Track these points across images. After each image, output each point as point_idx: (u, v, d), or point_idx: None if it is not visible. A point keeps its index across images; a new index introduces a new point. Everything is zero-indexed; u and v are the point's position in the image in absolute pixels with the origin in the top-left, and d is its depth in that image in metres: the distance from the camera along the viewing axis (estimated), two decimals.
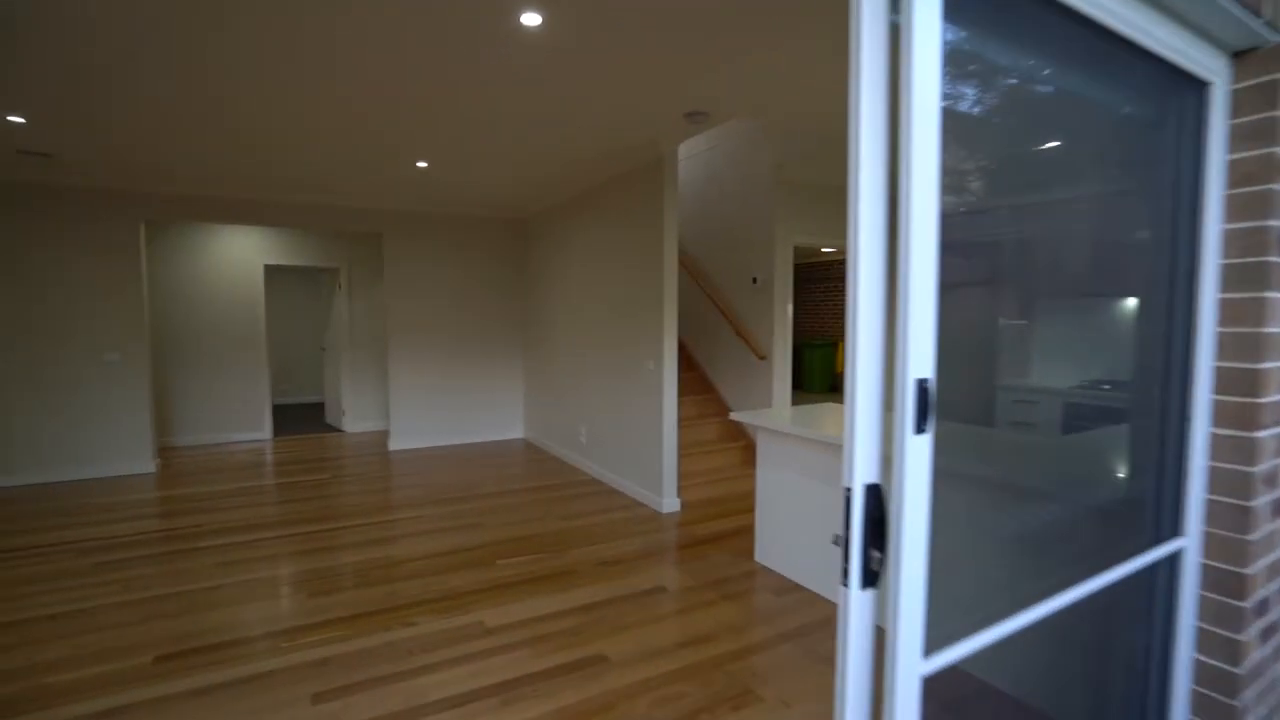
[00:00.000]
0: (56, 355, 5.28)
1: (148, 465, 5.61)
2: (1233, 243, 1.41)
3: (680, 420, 5.05)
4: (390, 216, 6.41)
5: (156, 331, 6.53)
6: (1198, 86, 1.37)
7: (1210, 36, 1.32)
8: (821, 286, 10.90)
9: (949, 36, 0.93)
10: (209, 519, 4.32)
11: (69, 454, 5.36)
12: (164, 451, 6.43)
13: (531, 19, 2.45)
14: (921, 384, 0.92)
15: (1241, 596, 1.42)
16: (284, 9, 2.38)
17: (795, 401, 5.28)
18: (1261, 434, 1.39)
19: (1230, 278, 1.42)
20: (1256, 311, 1.38)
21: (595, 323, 5.40)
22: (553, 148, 4.28)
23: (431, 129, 3.85)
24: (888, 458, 0.95)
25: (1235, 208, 1.41)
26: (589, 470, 5.55)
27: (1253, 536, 1.40)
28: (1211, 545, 1.46)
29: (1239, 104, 1.40)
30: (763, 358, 5.37)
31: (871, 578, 0.96)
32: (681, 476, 4.68)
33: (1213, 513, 1.46)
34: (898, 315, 0.92)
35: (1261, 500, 1.42)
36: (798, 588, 3.20)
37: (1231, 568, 1.43)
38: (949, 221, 0.95)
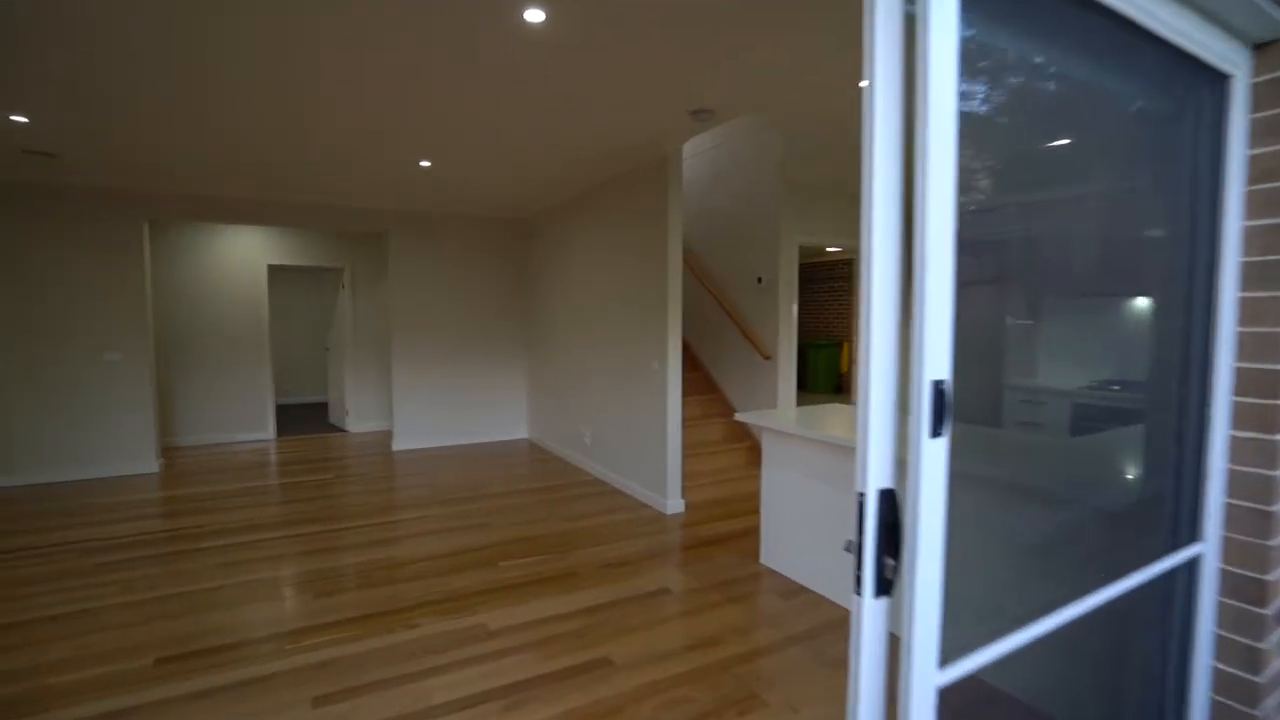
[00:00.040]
0: (59, 355, 5.28)
1: (151, 465, 5.61)
2: (1253, 240, 1.38)
3: (685, 421, 5.02)
4: (393, 216, 6.40)
5: (160, 331, 6.53)
6: (1218, 79, 1.34)
7: (1231, 27, 1.28)
8: (826, 286, 10.86)
9: (966, 27, 0.90)
10: (212, 519, 4.31)
11: (71, 454, 5.36)
12: (167, 451, 6.43)
13: (535, 15, 2.42)
14: (938, 386, 0.89)
15: (1262, 603, 1.38)
16: (285, 9, 2.36)
17: (800, 402, 5.25)
18: None
19: (1251, 276, 1.38)
20: (1278, 311, 1.35)
21: (599, 322, 5.37)
22: (556, 146, 4.25)
23: (435, 128, 3.82)
24: (901, 462, 0.92)
25: (1256, 204, 1.37)
26: (593, 471, 5.52)
27: (1274, 542, 1.37)
28: (1231, 550, 1.43)
29: (1260, 98, 1.37)
30: (767, 358, 5.34)
31: (885, 586, 0.93)
32: (686, 477, 4.65)
33: (1232, 517, 1.42)
34: (913, 315, 0.89)
35: None
36: (804, 590, 3.17)
37: (1252, 574, 1.40)
38: (964, 219, 0.92)
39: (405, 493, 4.99)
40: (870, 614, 0.93)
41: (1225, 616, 1.44)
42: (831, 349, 10.13)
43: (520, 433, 7.22)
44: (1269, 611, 1.38)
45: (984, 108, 1.03)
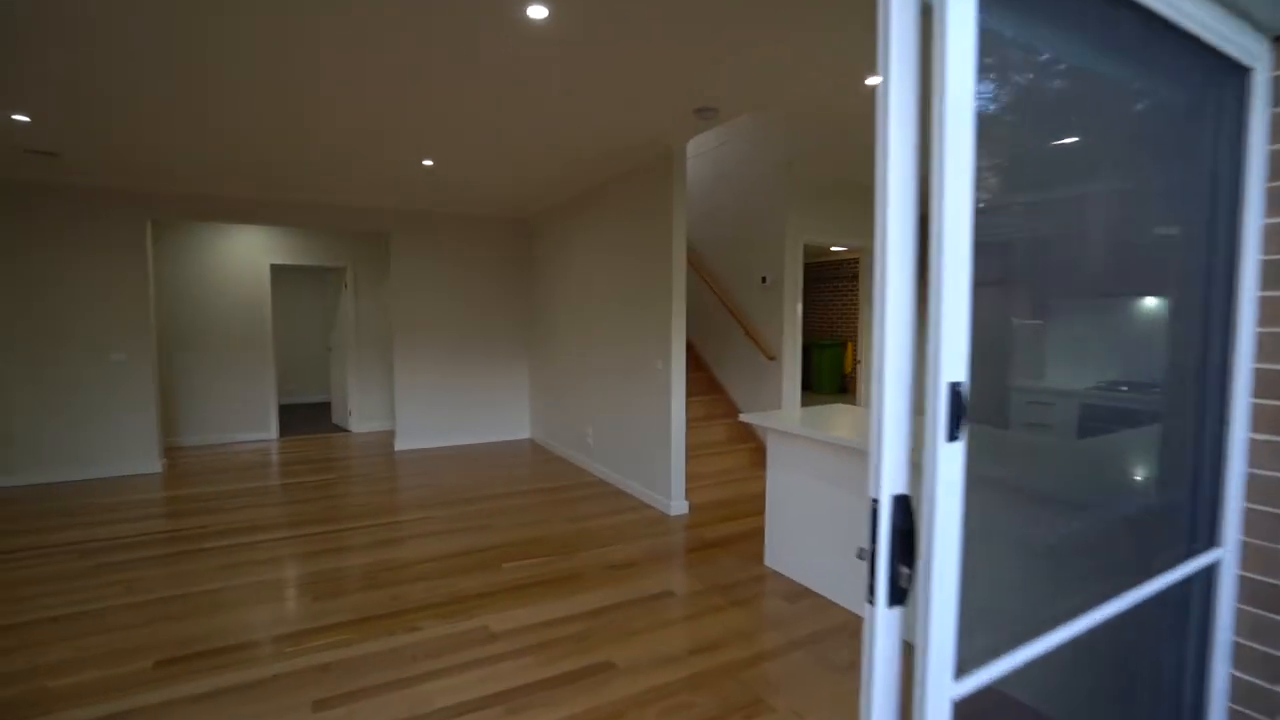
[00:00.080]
0: (60, 355, 5.27)
1: (154, 465, 5.60)
2: (1273, 238, 1.34)
3: (688, 421, 4.99)
4: (394, 216, 6.38)
5: (162, 331, 6.52)
6: (1238, 72, 1.31)
7: (1252, 18, 1.25)
8: (831, 286, 10.80)
9: (983, 19, 0.87)
10: (213, 520, 4.30)
11: (72, 454, 5.35)
12: (170, 451, 6.42)
13: (538, 11, 2.39)
14: (955, 388, 0.86)
15: None
16: (285, 9, 2.34)
17: (804, 402, 5.21)
18: None
19: (1270, 275, 1.35)
20: None
21: (602, 322, 5.35)
22: (558, 145, 4.23)
23: (436, 128, 3.80)
24: (916, 466, 0.89)
25: (1277, 201, 1.34)
26: (596, 471, 5.49)
27: None
28: (1250, 556, 1.40)
29: None
30: (772, 358, 5.31)
31: (899, 595, 0.90)
32: (690, 478, 4.61)
33: (1251, 522, 1.39)
34: (929, 316, 0.86)
35: None
36: (809, 593, 3.14)
37: (1272, 580, 1.36)
38: (980, 218, 0.89)
39: (408, 493, 4.97)
40: (884, 624, 0.90)
41: (1244, 624, 1.41)
42: (836, 349, 10.08)
43: (523, 433, 7.19)
44: None
45: (1001, 103, 1.00)
